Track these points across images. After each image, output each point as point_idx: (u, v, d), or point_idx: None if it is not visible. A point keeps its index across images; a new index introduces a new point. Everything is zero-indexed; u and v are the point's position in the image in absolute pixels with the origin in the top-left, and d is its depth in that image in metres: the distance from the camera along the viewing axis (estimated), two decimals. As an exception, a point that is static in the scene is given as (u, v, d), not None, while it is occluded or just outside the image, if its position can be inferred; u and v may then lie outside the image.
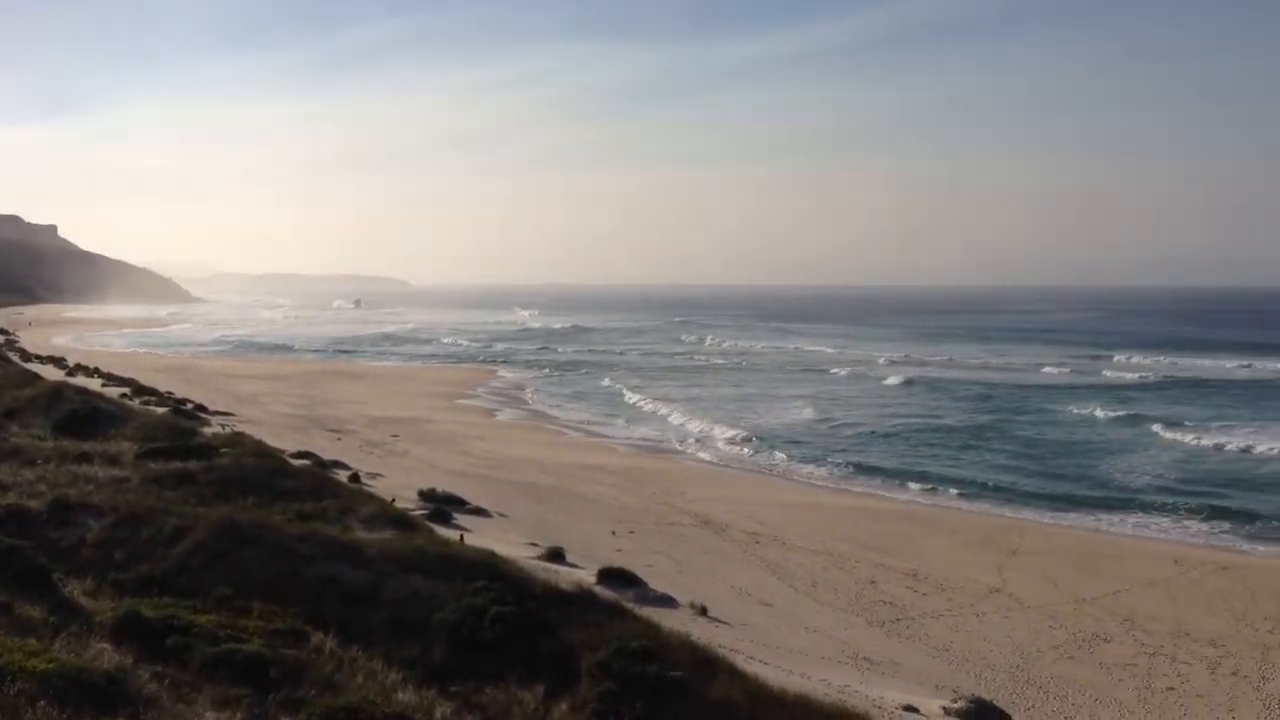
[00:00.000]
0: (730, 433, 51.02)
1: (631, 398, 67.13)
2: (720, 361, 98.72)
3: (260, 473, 19.09)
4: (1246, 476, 40.98)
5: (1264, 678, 19.49)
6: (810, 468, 43.53)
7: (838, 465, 43.81)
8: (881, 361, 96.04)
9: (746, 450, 47.23)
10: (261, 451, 23.80)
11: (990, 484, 40.07)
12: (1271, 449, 45.84)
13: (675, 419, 56.99)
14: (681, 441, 49.96)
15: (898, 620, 22.21)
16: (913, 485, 39.96)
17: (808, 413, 59.62)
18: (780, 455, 45.79)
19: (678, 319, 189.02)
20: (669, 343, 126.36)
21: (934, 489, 39.34)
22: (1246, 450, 45.88)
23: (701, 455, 46.74)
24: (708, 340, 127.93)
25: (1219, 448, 46.41)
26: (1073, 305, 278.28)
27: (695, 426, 53.77)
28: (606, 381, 77.24)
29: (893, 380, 77.15)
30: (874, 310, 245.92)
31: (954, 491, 38.89)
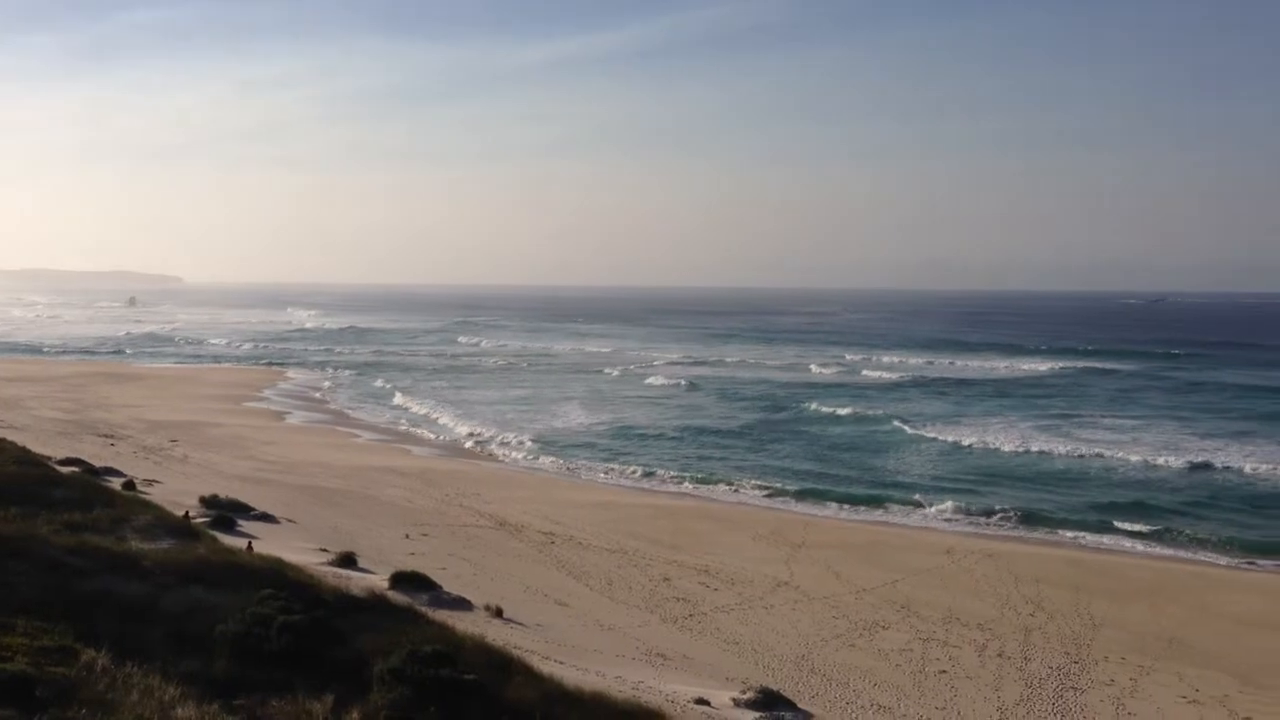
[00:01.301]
0: (518, 435, 50.96)
1: (401, 399, 65.75)
2: (498, 363, 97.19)
3: (24, 481, 17.93)
4: (999, 471, 43.63)
5: (1026, 658, 20.82)
6: (604, 468, 44.03)
7: (629, 465, 44.46)
8: (659, 362, 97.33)
9: (540, 452, 47.30)
10: (25, 459, 22.36)
11: (776, 480, 41.40)
12: (1020, 447, 48.96)
13: (445, 421, 56.22)
14: (463, 444, 49.59)
15: (690, 616, 22.69)
16: (701, 483, 40.95)
17: (599, 414, 60.12)
18: (574, 457, 46.10)
19: (459, 320, 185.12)
20: (448, 344, 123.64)
21: (723, 486, 40.40)
22: (995, 448, 48.67)
23: (498, 457, 46.56)
24: (484, 342, 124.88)
25: (969, 446, 48.89)
26: (858, 307, 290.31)
27: (465, 429, 53.14)
28: (380, 383, 75.29)
29: (665, 380, 78.05)
30: (660, 310, 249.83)
31: (742, 488, 40.00)
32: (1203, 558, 30.75)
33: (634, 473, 43.16)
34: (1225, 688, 19.45)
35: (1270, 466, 42.95)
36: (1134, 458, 45.44)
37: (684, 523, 32.94)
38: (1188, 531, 33.19)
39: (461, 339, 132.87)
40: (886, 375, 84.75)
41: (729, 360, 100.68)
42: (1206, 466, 43.64)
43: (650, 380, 79.37)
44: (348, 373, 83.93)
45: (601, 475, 42.87)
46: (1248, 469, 42.86)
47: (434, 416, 58.04)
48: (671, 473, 42.98)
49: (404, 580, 19.56)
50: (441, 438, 51.57)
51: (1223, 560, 30.48)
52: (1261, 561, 30.28)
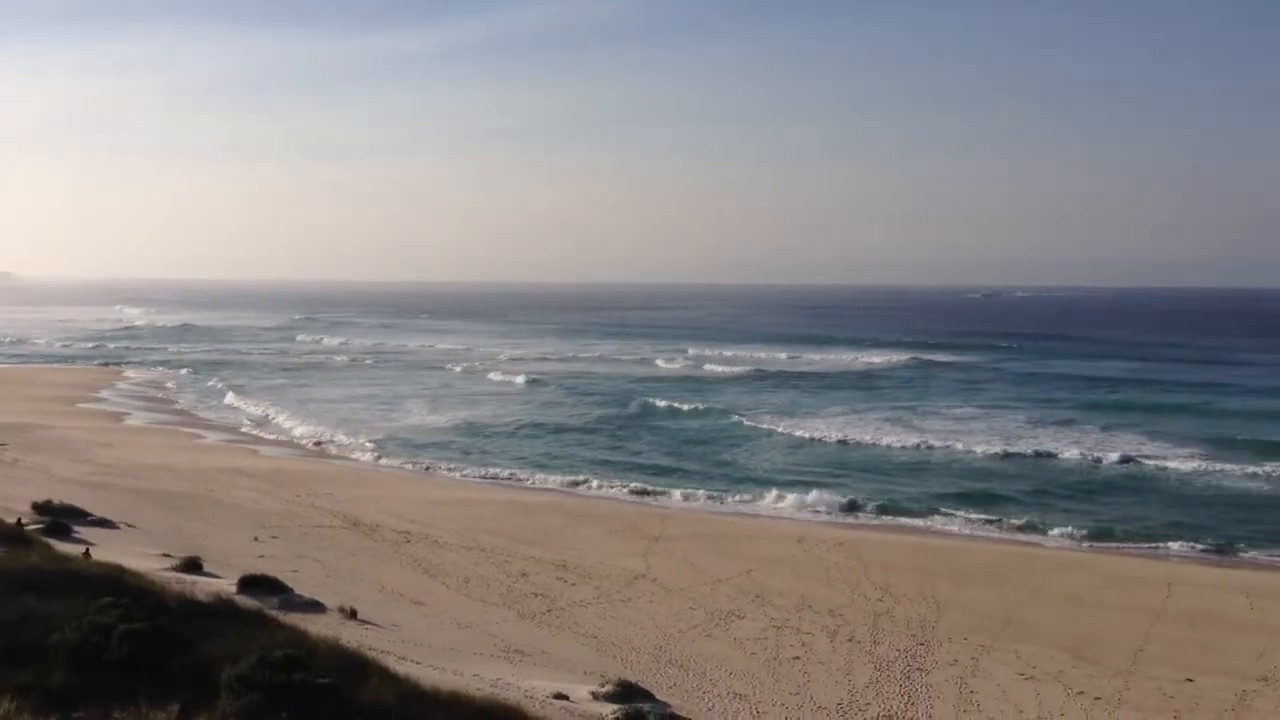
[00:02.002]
0: (366, 434, 50.13)
1: (242, 400, 63.56)
2: (344, 360, 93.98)
3: None
4: (847, 462, 44.91)
5: (875, 642, 21.46)
6: (457, 465, 43.66)
7: (482, 462, 44.24)
8: (512, 358, 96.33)
9: (391, 450, 46.59)
10: None
11: (630, 474, 41.80)
12: (867, 438, 50.50)
13: (288, 421, 54.82)
14: (309, 443, 48.52)
15: (548, 611, 22.68)
16: (556, 478, 40.98)
17: (449, 412, 59.56)
18: (427, 455, 45.56)
19: (303, 317, 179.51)
20: (290, 341, 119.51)
21: (578, 481, 40.49)
22: (841, 439, 50.03)
23: (349, 456, 45.66)
24: (329, 340, 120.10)
25: (817, 438, 50.03)
26: (718, 302, 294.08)
27: (309, 429, 51.88)
28: (216, 383, 72.50)
29: (515, 376, 77.33)
30: (518, 307, 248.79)
31: (597, 483, 40.15)
32: (1036, 541, 32.21)
33: (488, 470, 42.88)
34: (1059, 663, 20.41)
35: (1096, 454, 45.15)
36: (974, 448, 47.22)
37: (540, 518, 32.88)
38: (1023, 516, 34.70)
39: (305, 336, 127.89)
40: (732, 369, 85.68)
41: (581, 355, 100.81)
42: (1039, 455, 45.75)
43: (499, 377, 78.56)
44: (185, 372, 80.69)
45: (456, 473, 42.46)
46: (1075, 456, 45.02)
47: (277, 416, 56.40)
48: (526, 469, 42.92)
49: (253, 584, 19.02)
50: (288, 438, 50.28)
51: (1054, 543, 31.98)
52: (1087, 543, 31.86)
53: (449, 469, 43.10)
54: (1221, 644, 21.79)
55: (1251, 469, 41.83)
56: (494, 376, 78.69)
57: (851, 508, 36.07)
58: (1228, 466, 42.39)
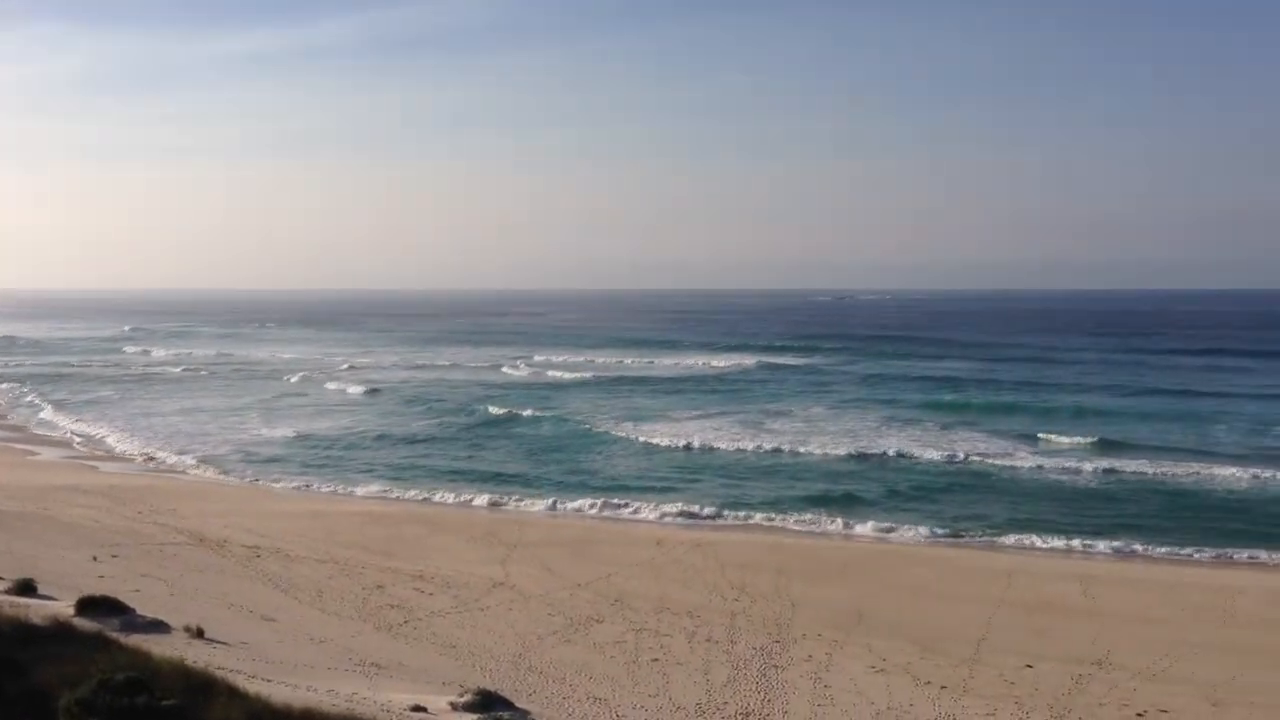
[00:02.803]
0: (207, 447, 48.65)
1: (70, 415, 60.38)
2: (180, 372, 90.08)
3: None
4: (703, 464, 45.57)
5: (732, 641, 21.79)
6: (307, 477, 42.69)
7: (333, 473, 43.38)
8: (351, 366, 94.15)
9: (234, 463, 45.26)
10: None
11: (484, 482, 41.61)
12: (720, 441, 51.30)
13: (120, 435, 52.67)
14: (147, 458, 46.75)
15: (405, 622, 22.33)
16: (410, 488, 40.48)
17: (299, 423, 58.22)
18: (272, 468, 44.41)
19: (136, 327, 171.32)
20: (119, 353, 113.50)
21: (432, 490, 40.07)
22: (696, 443, 50.64)
23: (190, 471, 44.13)
24: (163, 351, 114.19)
25: (673, 441, 50.38)
26: (568, 306, 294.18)
27: (143, 443, 50.02)
28: (40, 397, 68.65)
29: (364, 385, 75.91)
30: (376, 314, 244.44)
31: (453, 491, 39.79)
32: (886, 538, 33.20)
33: (339, 481, 42.04)
34: (908, 655, 21.07)
35: (939, 453, 46.78)
36: (823, 448, 48.40)
37: (396, 528, 32.37)
38: (872, 514, 35.79)
39: (139, 347, 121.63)
40: (582, 375, 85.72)
41: (429, 363, 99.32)
42: (885, 454, 47.08)
43: (345, 387, 76.76)
44: (7, 386, 76.71)
45: (305, 485, 41.48)
46: (920, 454, 46.57)
47: (112, 432, 54.02)
48: (378, 479, 42.24)
49: (92, 605, 18.17)
50: (125, 453, 48.31)
51: (902, 539, 33.00)
52: (933, 538, 32.98)
53: (297, 482, 42.08)
54: (1058, 630, 22.83)
55: (1077, 464, 43.89)
56: (340, 387, 76.88)
57: (707, 510, 36.54)
58: (1057, 461, 44.41)
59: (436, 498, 39.07)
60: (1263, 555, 30.41)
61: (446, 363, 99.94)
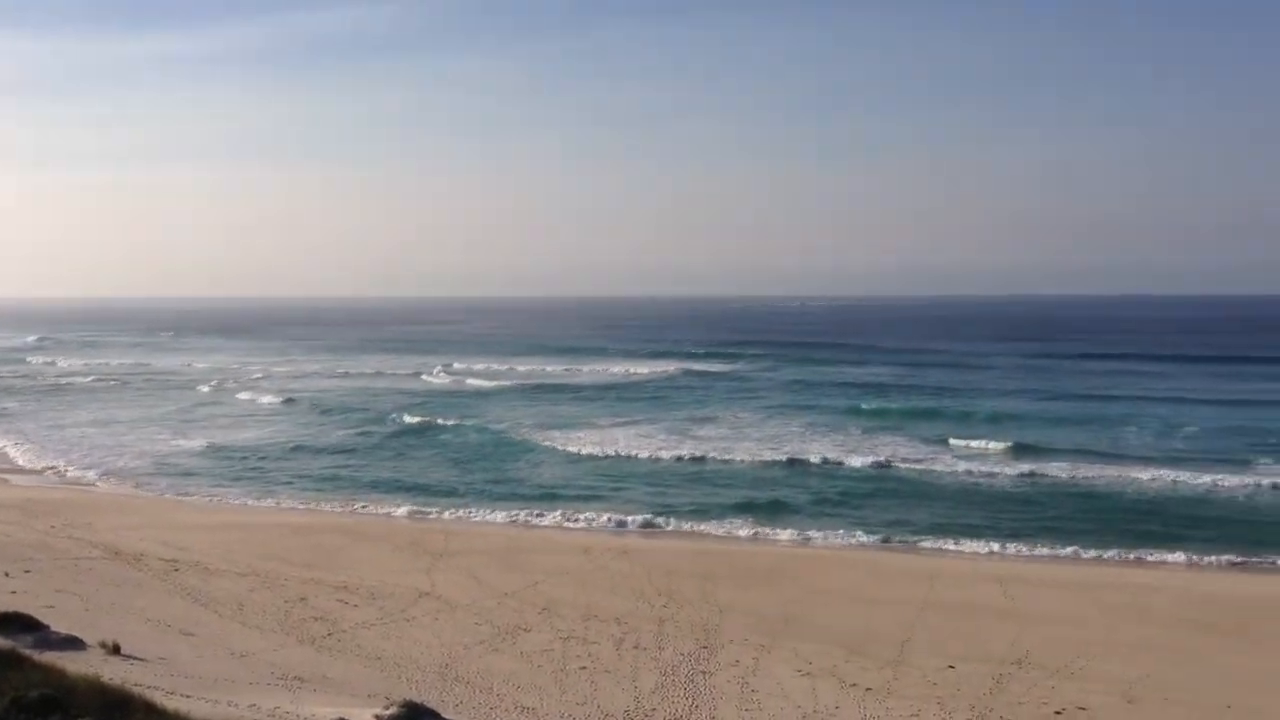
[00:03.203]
0: (120, 458, 47.57)
1: None
2: (91, 382, 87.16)
3: None
4: (628, 472, 45.64)
5: (660, 647, 21.82)
6: (225, 489, 41.96)
7: (255, 484, 42.72)
8: (268, 375, 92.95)
9: (150, 475, 44.31)
10: None
11: (408, 491, 41.31)
12: (644, 448, 51.42)
13: (24, 448, 51.19)
14: (56, 471, 45.55)
15: (329, 635, 22.01)
16: (333, 498, 40.04)
17: (219, 434, 57.23)
18: (191, 481, 43.54)
19: (43, 336, 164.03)
20: (22, 363, 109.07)
21: (355, 500, 39.67)
22: (621, 450, 50.66)
23: (106, 483, 43.09)
24: (69, 361, 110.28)
25: (597, 449, 50.15)
26: (492, 314, 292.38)
27: (50, 457, 48.62)
28: None
29: (282, 396, 74.46)
30: (296, 323, 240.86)
31: (376, 501, 39.42)
32: (812, 542, 33.50)
33: (260, 493, 41.37)
34: (835, 658, 21.27)
35: (863, 458, 47.36)
36: (749, 455, 48.74)
37: (319, 539, 31.91)
38: (798, 519, 36.13)
39: (43, 358, 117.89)
40: (505, 383, 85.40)
41: (348, 371, 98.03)
42: (810, 460, 47.48)
43: (260, 397, 75.02)
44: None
45: (223, 498, 40.74)
46: (844, 460, 47.08)
47: (16, 445, 52.44)
48: (299, 490, 41.66)
49: (3, 622, 17.66)
50: (35, 466, 46.99)
51: (828, 543, 33.34)
52: (859, 542, 33.37)
53: (215, 494, 41.30)
54: (979, 631, 23.22)
55: (996, 468, 44.75)
56: (253, 397, 75.24)
57: (634, 517, 36.56)
58: (977, 466, 45.25)
59: (359, 508, 38.61)
60: (1176, 555, 31.21)
61: (368, 371, 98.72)
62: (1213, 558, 30.78)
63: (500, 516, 37.15)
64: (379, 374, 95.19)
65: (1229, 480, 41.10)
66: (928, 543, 33.03)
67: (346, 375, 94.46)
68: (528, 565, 28.96)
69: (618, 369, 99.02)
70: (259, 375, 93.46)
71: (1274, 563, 30.42)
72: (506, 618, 23.86)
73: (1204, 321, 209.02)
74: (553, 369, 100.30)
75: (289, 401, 71.38)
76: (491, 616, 23.91)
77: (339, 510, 38.23)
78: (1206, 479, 41.20)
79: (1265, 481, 40.75)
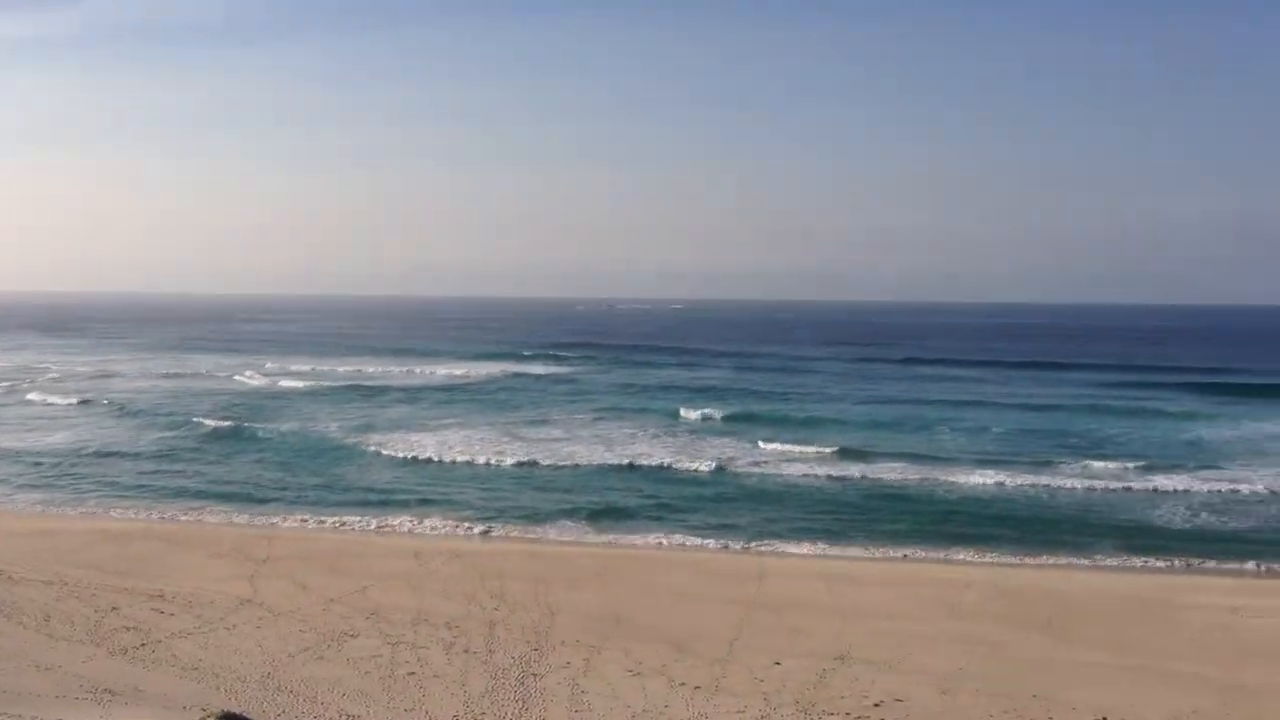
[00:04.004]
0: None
1: None
2: None
3: None
4: (461, 476, 45.24)
5: (491, 651, 21.67)
6: (29, 493, 39.74)
7: (60, 489, 40.64)
8: (55, 374, 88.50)
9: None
10: None
11: (229, 494, 39.97)
12: (474, 450, 51.11)
13: None
14: None
15: (143, 645, 21.08)
16: (147, 502, 38.40)
17: (11, 436, 54.15)
18: None
19: None
20: None
21: (171, 504, 38.17)
22: (450, 454, 50.39)
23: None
24: None
25: (427, 452, 49.43)
26: (328, 314, 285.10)
27: None
28: None
29: (70, 400, 69.70)
30: (114, 320, 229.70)
31: (194, 505, 37.99)
32: (644, 543, 33.83)
33: (69, 499, 39.31)
34: (664, 657, 21.53)
35: (692, 459, 48.14)
36: (583, 458, 48.88)
37: (133, 546, 30.53)
38: (632, 520, 36.47)
39: None
40: (334, 383, 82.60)
41: (166, 371, 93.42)
42: (644, 462, 47.95)
43: (52, 398, 70.73)
44: None
45: (20, 503, 38.55)
46: (671, 460, 47.73)
47: None
48: (109, 495, 39.78)
49: None
50: None
51: (659, 543, 33.72)
52: (691, 541, 33.87)
53: (17, 499, 39.05)
54: (805, 628, 23.86)
55: (822, 470, 46.12)
56: (49, 398, 70.77)
57: (466, 520, 36.23)
58: (804, 468, 46.52)
59: (176, 514, 37.08)
60: (985, 553, 32.76)
61: (184, 371, 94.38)
62: (1013, 558, 32.38)
63: (327, 521, 36.25)
64: (195, 374, 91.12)
65: (1033, 480, 43.39)
66: (756, 543, 33.74)
67: (158, 375, 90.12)
68: (356, 570, 28.35)
69: (447, 371, 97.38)
70: (56, 375, 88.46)
71: (1074, 559, 32.20)
72: (332, 624, 23.30)
73: (1016, 328, 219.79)
74: (382, 370, 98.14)
75: (85, 404, 67.53)
76: (316, 623, 23.32)
77: (155, 517, 36.61)
78: (1012, 479, 43.37)
79: (1066, 482, 43.15)
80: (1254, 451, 52.08)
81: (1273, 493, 41.19)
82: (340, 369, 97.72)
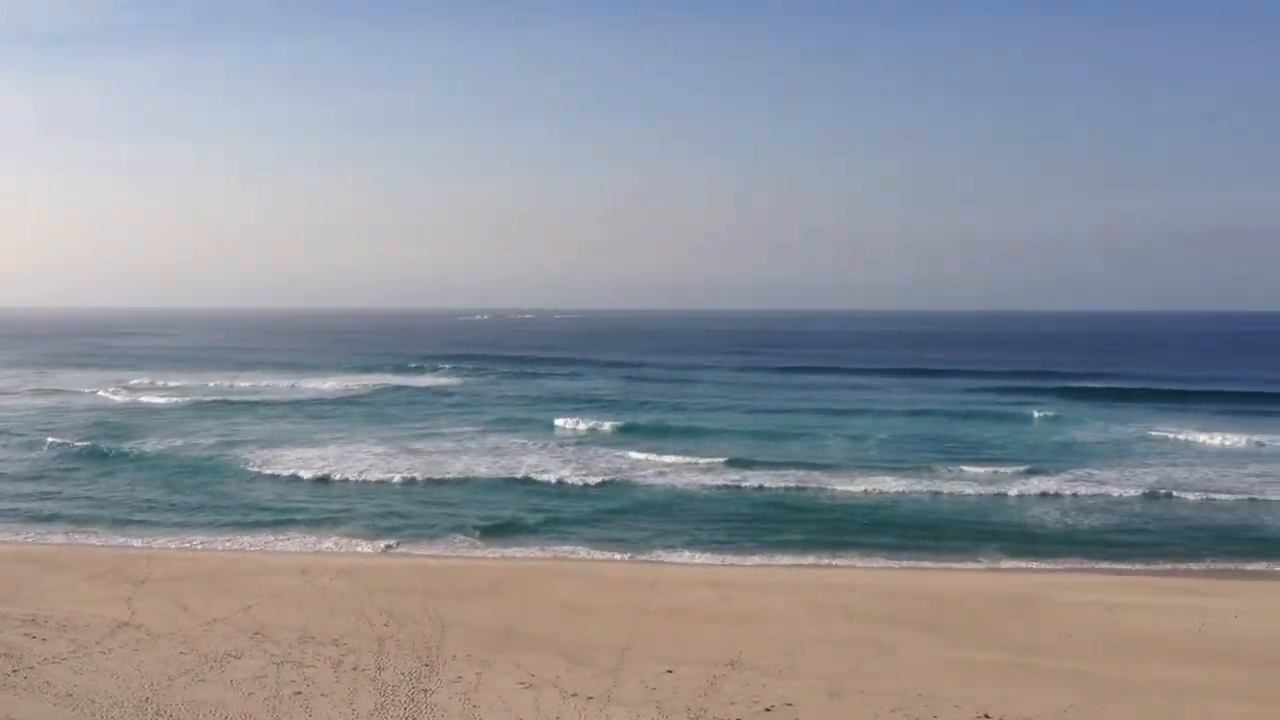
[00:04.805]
0: None
1: None
2: None
3: None
4: (351, 491, 44.62)
5: (380, 668, 21.33)
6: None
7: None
8: None
9: None
10: None
11: (107, 515, 38.71)
12: (363, 464, 50.34)
13: None
14: None
15: (14, 672, 20.24)
16: (14, 524, 36.88)
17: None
18: None
19: None
20: None
21: (38, 525, 36.72)
22: (337, 468, 49.65)
23: None
24: None
25: (312, 467, 48.57)
26: (195, 327, 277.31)
27: None
28: None
29: None
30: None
31: (66, 526, 36.67)
32: (535, 554, 33.68)
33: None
34: (556, 668, 21.46)
35: (581, 470, 48.18)
36: (473, 470, 48.53)
37: (2, 569, 29.27)
38: (523, 532, 36.32)
39: None
40: (200, 398, 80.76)
41: (25, 388, 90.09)
42: (531, 475, 47.78)
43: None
44: None
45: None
46: (561, 471, 47.69)
47: None
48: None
49: None
50: None
51: (550, 554, 33.62)
52: (583, 552, 33.84)
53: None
54: (696, 635, 24.04)
55: (712, 480, 46.59)
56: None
57: (354, 535, 35.64)
58: (694, 479, 46.94)
59: (49, 534, 35.69)
60: (872, 557, 33.45)
61: (51, 388, 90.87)
62: (898, 562, 33.17)
63: (209, 540, 35.27)
64: (61, 391, 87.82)
65: (914, 485, 44.51)
66: (648, 553, 33.88)
67: (26, 393, 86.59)
68: (240, 589, 27.64)
69: (332, 384, 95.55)
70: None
71: (956, 561, 33.08)
72: (215, 645, 22.68)
73: (905, 335, 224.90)
74: (267, 384, 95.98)
75: None
76: (198, 644, 22.67)
77: (26, 539, 35.16)
78: (895, 485, 44.44)
79: (945, 486, 44.35)
80: (1122, 453, 54.24)
81: (1140, 494, 42.89)
82: (220, 383, 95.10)
